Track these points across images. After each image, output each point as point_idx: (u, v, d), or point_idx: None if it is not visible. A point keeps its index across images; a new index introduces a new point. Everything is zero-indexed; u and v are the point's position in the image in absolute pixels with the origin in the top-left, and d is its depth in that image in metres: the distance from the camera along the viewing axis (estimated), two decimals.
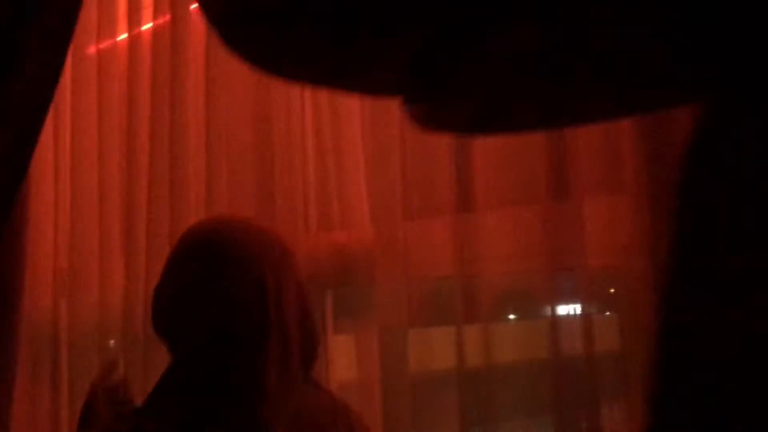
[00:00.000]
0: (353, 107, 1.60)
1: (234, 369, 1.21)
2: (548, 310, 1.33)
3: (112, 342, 1.97)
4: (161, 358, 1.67)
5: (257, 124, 1.77)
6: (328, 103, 1.67)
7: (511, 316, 1.52)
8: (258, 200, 1.72)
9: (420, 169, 1.48)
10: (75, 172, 2.06)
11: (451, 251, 1.39)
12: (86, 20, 2.06)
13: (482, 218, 1.37)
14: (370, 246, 1.55)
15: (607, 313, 1.45)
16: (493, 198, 1.37)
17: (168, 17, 1.93)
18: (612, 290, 1.38)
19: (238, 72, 1.81)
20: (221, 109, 1.79)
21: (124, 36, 2.12)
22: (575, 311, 1.32)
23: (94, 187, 2.01)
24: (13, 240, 1.91)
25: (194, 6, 1.93)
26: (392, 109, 1.51)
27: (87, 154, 2.04)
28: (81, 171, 2.04)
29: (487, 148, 1.37)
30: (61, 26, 1.76)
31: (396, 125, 1.47)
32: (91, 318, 1.98)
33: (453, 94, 0.50)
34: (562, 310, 1.33)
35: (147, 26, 2.05)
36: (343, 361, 1.63)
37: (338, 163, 1.64)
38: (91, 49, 2.14)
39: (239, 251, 1.25)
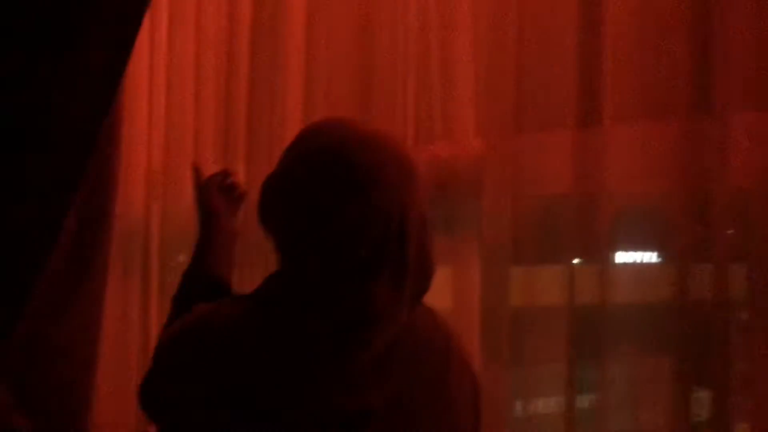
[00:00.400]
0: (464, 9, 1.48)
1: (345, 293, 1.14)
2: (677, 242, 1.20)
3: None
4: (256, 264, 1.63)
5: (359, 28, 1.67)
6: (436, 6, 1.55)
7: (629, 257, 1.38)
8: (355, 105, 1.63)
9: (537, 77, 1.36)
10: (170, 70, 2.00)
11: (569, 167, 1.28)
12: None
13: (608, 133, 1.25)
14: (476, 160, 1.45)
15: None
16: (622, 111, 1.25)
17: None
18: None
19: None
20: (323, 11, 1.69)
21: None
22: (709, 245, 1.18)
23: (190, 87, 1.96)
24: (108, 141, 1.88)
25: None
26: (508, 13, 1.39)
27: (183, 51, 1.98)
28: (176, 69, 1.98)
29: (619, 57, 1.24)
30: None
31: (512, 30, 1.35)
32: (183, 221, 1.95)
33: None
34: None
35: None
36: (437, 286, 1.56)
37: (444, 69, 1.52)
38: None
39: (374, 175, 1.15)
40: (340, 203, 1.14)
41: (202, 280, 1.34)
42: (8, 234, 1.53)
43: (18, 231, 1.56)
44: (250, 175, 1.77)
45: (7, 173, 1.55)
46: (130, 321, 2.02)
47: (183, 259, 1.96)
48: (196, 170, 1.48)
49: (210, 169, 1.94)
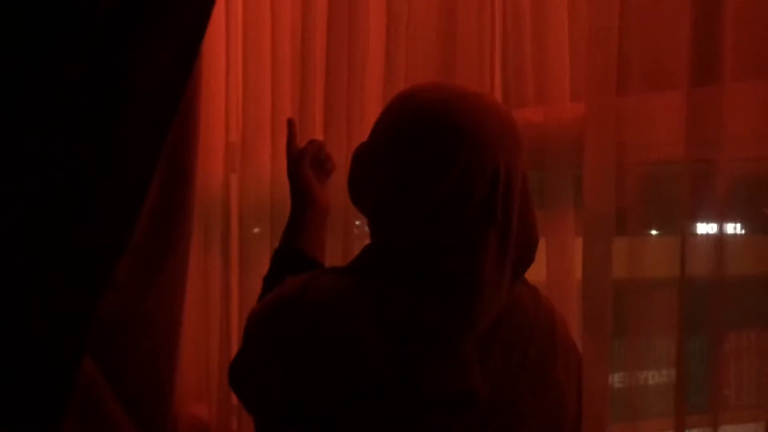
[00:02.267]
0: None
1: (449, 259, 1.02)
2: None
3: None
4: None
5: None
6: None
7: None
8: (437, 69, 1.49)
9: (644, 30, 1.19)
10: (247, 41, 1.90)
11: (681, 131, 1.12)
12: None
13: (724, 93, 1.08)
14: (573, 125, 1.29)
15: None
16: (739, 69, 1.08)
17: None
18: None
19: None
20: None
21: None
22: None
23: (267, 58, 1.85)
24: (186, 112, 1.80)
25: None
26: None
27: (260, 22, 1.87)
28: (253, 40, 1.88)
29: (740, 6, 1.07)
30: None
31: None
32: (262, 192, 1.86)
33: None
34: None
35: None
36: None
37: (535, 23, 1.36)
38: None
39: (476, 134, 1.03)
40: (444, 162, 1.02)
41: (295, 259, 1.25)
42: (91, 212, 1.45)
43: (100, 209, 1.48)
44: (328, 146, 1.66)
45: (88, 149, 1.47)
46: (211, 294, 1.95)
47: (263, 230, 1.87)
48: (291, 130, 1.38)
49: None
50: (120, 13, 1.34)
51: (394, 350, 1.03)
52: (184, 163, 1.82)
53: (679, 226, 1.13)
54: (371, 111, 1.54)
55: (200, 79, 1.81)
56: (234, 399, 1.76)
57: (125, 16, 1.34)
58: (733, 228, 1.13)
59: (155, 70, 1.45)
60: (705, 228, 1.13)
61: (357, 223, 1.62)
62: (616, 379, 1.25)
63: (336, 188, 1.45)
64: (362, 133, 1.40)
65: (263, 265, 1.87)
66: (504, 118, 1.08)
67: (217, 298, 1.94)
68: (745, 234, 1.23)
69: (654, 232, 1.25)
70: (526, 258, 1.09)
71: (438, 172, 1.02)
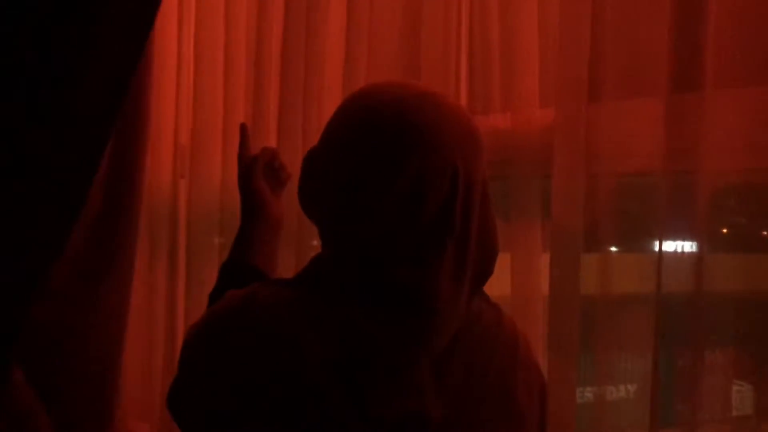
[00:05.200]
0: None
1: (402, 270, 0.89)
2: None
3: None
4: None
5: None
6: None
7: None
8: (400, 69, 1.37)
9: (618, 34, 1.09)
10: (199, 39, 1.75)
11: (658, 140, 1.02)
12: None
13: (706, 100, 0.98)
14: (542, 132, 1.18)
15: None
16: (721, 76, 0.98)
17: None
18: None
19: None
20: None
21: None
22: None
23: (220, 57, 1.70)
24: (134, 111, 1.64)
25: None
26: None
27: (212, 22, 1.72)
28: (205, 40, 1.73)
29: (722, 8, 0.97)
30: None
31: None
32: (211, 200, 1.71)
33: None
34: None
35: None
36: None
37: (502, 26, 1.25)
38: None
39: (432, 133, 0.90)
40: (397, 163, 0.89)
41: (244, 273, 1.10)
42: (24, 212, 1.29)
43: (35, 209, 1.31)
44: (283, 154, 1.52)
45: (24, 147, 1.30)
46: (156, 305, 1.79)
47: (212, 240, 1.72)
48: (244, 136, 1.24)
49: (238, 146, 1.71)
50: (65, 3, 1.20)
51: (340, 369, 0.90)
52: (130, 165, 1.66)
53: (653, 242, 1.02)
54: (329, 117, 1.41)
55: (150, 77, 1.65)
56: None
57: (70, 4, 1.20)
58: (711, 243, 1.03)
59: (98, 61, 1.30)
60: (682, 243, 1.03)
61: (314, 243, 1.48)
62: (584, 395, 1.16)
63: (291, 199, 1.32)
64: None
65: (212, 277, 1.73)
66: (462, 119, 0.95)
67: (162, 311, 1.78)
68: (724, 250, 1.13)
69: (626, 248, 1.15)
70: (485, 270, 0.97)
71: (391, 175, 0.89)
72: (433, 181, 0.89)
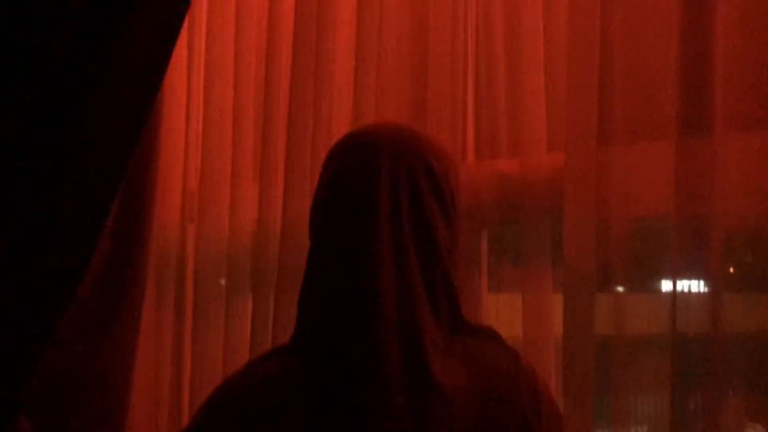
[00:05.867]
0: (533, 8, 1.20)
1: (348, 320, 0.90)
2: None
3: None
4: (294, 290, 1.37)
5: (412, 35, 1.40)
6: (503, 8, 1.28)
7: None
8: (408, 114, 1.36)
9: (628, 78, 1.08)
10: (208, 85, 1.75)
11: (669, 184, 1.00)
12: None
13: (714, 144, 0.97)
14: (551, 176, 1.17)
15: None
16: (732, 119, 0.97)
17: None
18: None
19: None
20: (373, 24, 1.42)
21: None
22: None
23: (229, 102, 1.70)
24: (144, 157, 1.63)
25: None
26: (591, 7, 1.11)
27: (222, 67, 1.73)
28: (215, 84, 1.72)
29: (731, 53, 0.96)
30: None
31: (595, 26, 1.07)
32: (219, 245, 1.69)
33: None
34: None
35: None
36: (502, 316, 1.27)
37: (510, 70, 1.24)
38: None
39: (369, 138, 0.95)
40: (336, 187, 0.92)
41: None
42: (34, 263, 1.27)
43: (48, 254, 1.30)
44: (288, 199, 1.51)
45: (37, 195, 1.29)
46: (162, 351, 1.76)
47: (219, 285, 1.70)
48: None
49: (247, 190, 1.70)
50: (79, 46, 1.20)
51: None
52: (139, 213, 1.65)
53: (666, 282, 1.00)
54: None
55: (160, 124, 1.65)
56: None
57: (85, 48, 1.20)
58: (725, 283, 1.00)
59: (110, 111, 1.30)
60: (696, 282, 1.00)
61: None
62: None
63: None
64: None
65: (219, 323, 1.70)
66: (442, 155, 0.95)
67: (168, 358, 1.75)
68: (738, 290, 1.10)
69: (640, 288, 1.12)
70: (447, 293, 0.93)
71: (330, 199, 0.95)
72: (371, 188, 0.92)
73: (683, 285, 1.00)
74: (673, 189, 0.99)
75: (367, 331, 0.87)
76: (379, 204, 0.89)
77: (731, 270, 1.04)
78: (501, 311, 1.31)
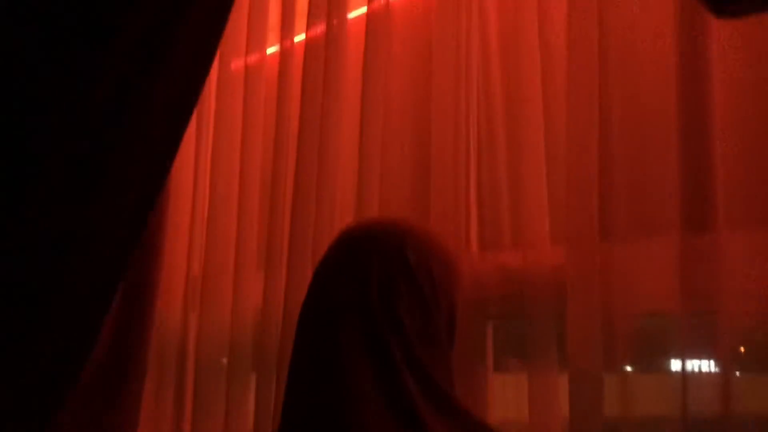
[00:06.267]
0: (536, 103, 1.22)
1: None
2: None
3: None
4: None
5: (415, 130, 1.42)
6: (502, 99, 1.30)
7: None
8: (411, 207, 1.37)
9: (630, 173, 1.08)
10: (214, 178, 1.77)
11: (673, 280, 0.99)
12: (234, 33, 1.80)
13: (719, 240, 0.96)
14: (554, 270, 1.16)
15: None
16: (736, 216, 0.96)
17: (323, 27, 1.62)
18: None
19: (397, 85, 1.48)
20: (376, 124, 1.44)
21: (274, 48, 1.84)
22: None
23: (234, 195, 1.71)
24: (149, 246, 1.63)
25: (352, 14, 1.63)
26: (590, 102, 1.12)
27: (228, 159, 1.75)
28: (221, 178, 1.75)
29: (732, 150, 0.96)
30: (210, 26, 1.48)
31: (594, 121, 1.08)
32: (221, 334, 1.66)
33: None
34: None
35: (299, 37, 1.76)
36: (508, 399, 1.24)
37: (511, 164, 1.25)
38: (239, 62, 1.87)
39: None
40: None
41: None
42: (41, 342, 1.25)
43: (51, 338, 1.28)
44: (290, 286, 1.49)
45: (42, 279, 1.28)
46: None
47: (219, 375, 1.66)
48: None
49: (250, 279, 1.69)
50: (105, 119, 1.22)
51: None
52: (143, 301, 1.64)
53: (675, 366, 0.97)
54: None
55: (167, 209, 1.66)
56: None
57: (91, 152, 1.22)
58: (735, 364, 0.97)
59: (119, 196, 1.30)
60: (706, 363, 0.97)
61: None
62: None
63: None
64: None
65: (219, 413, 1.66)
66: (442, 255, 0.95)
67: None
68: (748, 371, 1.06)
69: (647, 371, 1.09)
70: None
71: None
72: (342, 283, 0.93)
73: (693, 366, 0.97)
74: (678, 285, 0.98)
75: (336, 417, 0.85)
76: (343, 296, 0.89)
77: (742, 350, 1.01)
78: (507, 394, 1.27)
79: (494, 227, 1.28)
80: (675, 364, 0.99)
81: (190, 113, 1.45)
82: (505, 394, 1.27)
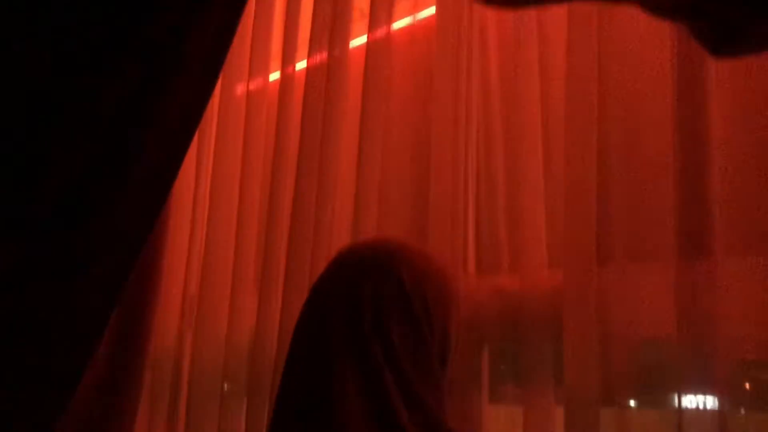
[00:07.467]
0: (534, 125, 1.22)
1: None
2: None
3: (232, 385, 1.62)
4: None
5: (414, 156, 1.42)
6: (501, 120, 1.30)
7: None
8: (409, 230, 1.35)
9: (627, 198, 1.07)
10: (214, 200, 1.76)
11: (670, 305, 0.97)
12: (237, 59, 1.80)
13: (716, 266, 0.95)
14: (551, 294, 1.14)
15: None
16: (732, 242, 0.95)
17: (324, 56, 1.62)
18: None
19: (396, 112, 1.48)
20: (375, 149, 1.43)
21: (276, 75, 1.84)
22: None
23: (233, 217, 1.70)
24: (149, 266, 1.61)
25: (353, 43, 1.63)
26: (588, 129, 1.12)
27: (228, 182, 1.74)
28: (220, 201, 1.74)
29: (731, 175, 0.96)
30: (214, 51, 1.48)
31: (592, 147, 1.08)
32: (216, 356, 1.63)
33: None
34: None
35: (300, 64, 1.76)
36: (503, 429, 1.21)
37: (510, 187, 1.24)
38: (240, 88, 1.87)
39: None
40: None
41: None
42: (39, 359, 1.22)
43: (49, 355, 1.24)
44: (285, 309, 1.47)
45: (40, 299, 1.25)
46: None
47: (214, 397, 1.63)
48: None
49: (246, 300, 1.67)
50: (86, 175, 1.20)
51: None
52: (140, 320, 1.61)
53: (672, 398, 0.95)
54: None
55: (166, 230, 1.64)
56: None
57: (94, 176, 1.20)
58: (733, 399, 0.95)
59: (118, 222, 1.28)
60: (703, 398, 0.95)
61: None
62: None
63: None
64: None
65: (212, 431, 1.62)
66: (439, 277, 0.94)
67: None
68: (746, 407, 1.04)
69: (644, 404, 1.07)
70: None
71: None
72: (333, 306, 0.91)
73: (689, 401, 0.95)
74: (675, 310, 0.96)
75: None
76: (335, 318, 0.87)
77: (742, 384, 0.99)
78: (502, 425, 1.24)
79: (492, 251, 1.27)
80: (672, 398, 0.97)
81: (191, 136, 1.43)
82: (499, 425, 1.25)
